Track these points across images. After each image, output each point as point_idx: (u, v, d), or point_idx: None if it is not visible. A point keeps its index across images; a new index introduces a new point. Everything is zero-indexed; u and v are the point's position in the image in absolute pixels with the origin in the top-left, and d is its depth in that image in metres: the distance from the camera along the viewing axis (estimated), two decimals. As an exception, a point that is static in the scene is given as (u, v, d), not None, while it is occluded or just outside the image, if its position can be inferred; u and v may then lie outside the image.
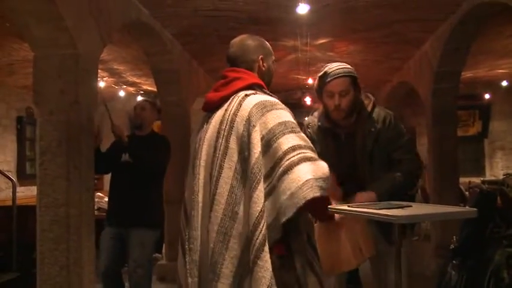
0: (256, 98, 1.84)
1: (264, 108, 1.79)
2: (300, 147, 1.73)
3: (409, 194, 2.51)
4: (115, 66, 6.85)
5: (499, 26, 5.21)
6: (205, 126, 1.94)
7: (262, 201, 1.66)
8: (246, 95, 1.86)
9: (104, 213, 4.00)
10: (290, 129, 1.76)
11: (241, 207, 1.71)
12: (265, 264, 1.62)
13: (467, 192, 6.72)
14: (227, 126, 1.82)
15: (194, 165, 1.89)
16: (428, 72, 5.80)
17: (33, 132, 7.93)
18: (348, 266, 2.24)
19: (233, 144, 1.78)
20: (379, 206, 1.93)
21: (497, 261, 3.35)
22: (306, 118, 2.86)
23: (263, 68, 2.04)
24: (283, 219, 1.67)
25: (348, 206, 1.99)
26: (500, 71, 7.93)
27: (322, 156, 2.59)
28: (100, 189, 6.31)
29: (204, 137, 1.90)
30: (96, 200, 3.91)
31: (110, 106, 3.69)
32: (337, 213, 2.01)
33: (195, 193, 1.84)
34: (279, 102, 1.85)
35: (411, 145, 2.55)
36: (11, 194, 5.61)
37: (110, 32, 3.64)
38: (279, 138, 1.73)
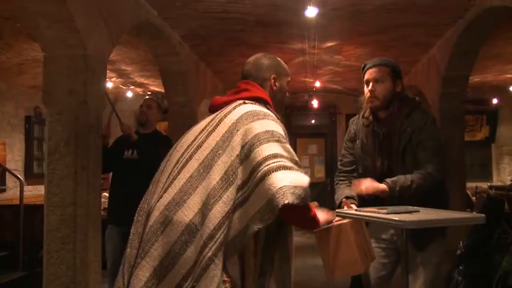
0: (252, 107, 1.86)
1: (255, 116, 1.80)
2: (281, 156, 1.71)
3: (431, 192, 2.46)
4: (123, 67, 6.88)
5: (508, 31, 5.19)
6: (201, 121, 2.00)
7: (231, 203, 1.66)
8: (244, 103, 1.89)
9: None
10: (276, 139, 1.75)
11: (192, 199, 1.70)
12: (220, 264, 1.63)
13: (474, 198, 6.69)
14: (214, 124, 1.85)
15: (172, 149, 1.94)
16: (436, 76, 5.79)
17: (41, 131, 7.98)
18: (355, 271, 2.23)
19: (211, 140, 1.79)
20: (386, 210, 1.93)
21: (504, 268, 3.33)
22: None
23: (274, 88, 2.06)
24: (256, 227, 1.65)
25: (356, 211, 1.99)
26: (509, 76, 7.89)
27: (362, 152, 2.64)
28: (106, 190, 6.32)
29: (192, 129, 1.95)
30: (102, 200, 3.92)
31: (116, 107, 3.72)
32: (345, 217, 2.01)
33: (159, 171, 1.90)
34: (274, 116, 1.86)
35: (440, 150, 2.49)
36: (18, 193, 5.65)
37: (119, 33, 3.66)
38: (262, 144, 1.71)
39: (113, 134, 3.74)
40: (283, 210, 1.61)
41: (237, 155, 1.72)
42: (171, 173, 1.82)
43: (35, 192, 7.33)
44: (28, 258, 5.17)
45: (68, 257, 3.04)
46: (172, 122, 5.83)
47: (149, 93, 8.42)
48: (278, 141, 1.74)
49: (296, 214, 1.71)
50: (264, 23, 4.88)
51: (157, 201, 1.77)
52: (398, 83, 2.56)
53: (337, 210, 1.89)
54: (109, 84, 7.58)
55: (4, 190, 7.28)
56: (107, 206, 5.24)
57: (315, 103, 8.99)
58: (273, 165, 1.66)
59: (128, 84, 8.12)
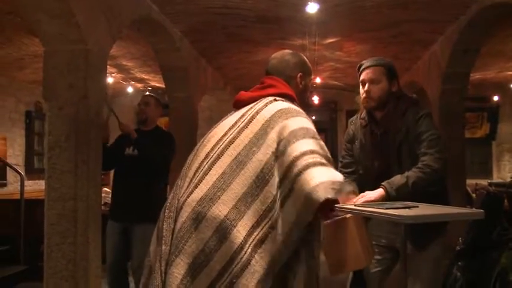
0: (284, 104, 1.88)
1: (288, 113, 1.83)
2: (317, 152, 1.75)
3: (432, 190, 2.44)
4: (124, 62, 6.88)
5: (509, 29, 5.19)
6: (227, 116, 1.99)
7: (268, 202, 1.69)
8: (275, 100, 1.91)
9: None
10: (311, 135, 1.79)
11: (226, 195, 1.70)
12: (261, 260, 1.64)
13: (474, 194, 6.69)
14: (245, 120, 1.85)
15: (199, 144, 1.94)
16: (436, 73, 5.78)
17: (41, 126, 7.99)
18: (358, 265, 2.23)
19: (244, 137, 1.79)
20: (385, 205, 1.93)
21: (503, 264, 3.34)
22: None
23: (300, 86, 2.08)
24: (304, 220, 1.70)
25: (355, 205, 1.99)
26: (510, 73, 7.88)
27: (361, 152, 2.64)
28: (107, 185, 6.34)
29: (219, 124, 1.94)
30: (103, 195, 3.93)
31: (114, 103, 3.72)
32: (344, 212, 2.01)
33: (186, 166, 1.89)
34: (305, 114, 1.89)
35: (437, 141, 2.44)
36: (19, 187, 5.66)
37: (120, 29, 3.66)
38: (298, 140, 1.75)
39: (112, 130, 3.75)
40: (322, 203, 1.65)
41: (273, 152, 1.74)
42: (199, 167, 1.80)
43: (36, 187, 7.35)
44: (29, 252, 5.20)
45: (68, 251, 3.05)
46: (172, 117, 5.84)
47: (149, 89, 8.45)
48: (313, 137, 1.79)
49: (328, 206, 1.73)
50: (265, 19, 4.88)
51: (188, 196, 1.75)
52: (395, 82, 2.55)
53: (336, 205, 1.89)
54: (109, 80, 7.59)
55: (5, 185, 7.30)
56: (107, 201, 5.27)
57: (315, 99, 8.98)
58: (310, 160, 1.71)
59: (128, 80, 8.12)
